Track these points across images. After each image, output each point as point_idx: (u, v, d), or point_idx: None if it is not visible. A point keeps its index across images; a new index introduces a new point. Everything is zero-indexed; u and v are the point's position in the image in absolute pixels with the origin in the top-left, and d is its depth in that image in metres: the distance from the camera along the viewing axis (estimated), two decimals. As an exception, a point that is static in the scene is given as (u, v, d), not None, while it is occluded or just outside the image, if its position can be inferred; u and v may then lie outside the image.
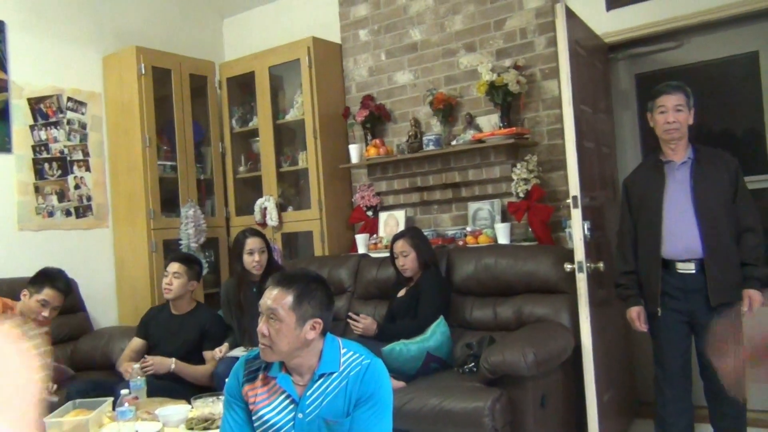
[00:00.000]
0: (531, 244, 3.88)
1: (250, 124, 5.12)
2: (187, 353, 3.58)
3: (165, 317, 3.75)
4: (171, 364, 3.46)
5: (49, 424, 2.75)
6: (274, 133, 4.90)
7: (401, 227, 4.44)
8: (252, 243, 3.75)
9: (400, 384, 3.14)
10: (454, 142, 4.22)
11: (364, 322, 3.51)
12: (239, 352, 3.50)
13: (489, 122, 4.24)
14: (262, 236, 3.84)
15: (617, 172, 3.99)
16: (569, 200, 3.17)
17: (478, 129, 4.23)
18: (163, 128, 4.83)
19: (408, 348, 3.28)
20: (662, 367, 2.94)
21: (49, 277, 3.43)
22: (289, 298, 1.89)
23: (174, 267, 3.69)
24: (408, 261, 3.60)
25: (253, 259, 3.72)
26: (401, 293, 3.72)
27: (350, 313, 3.62)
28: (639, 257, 2.99)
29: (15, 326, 3.14)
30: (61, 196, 4.53)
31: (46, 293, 3.36)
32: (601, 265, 3.24)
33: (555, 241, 3.97)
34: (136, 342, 3.73)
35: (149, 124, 4.61)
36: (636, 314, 2.99)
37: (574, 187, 3.12)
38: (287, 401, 1.93)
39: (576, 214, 3.12)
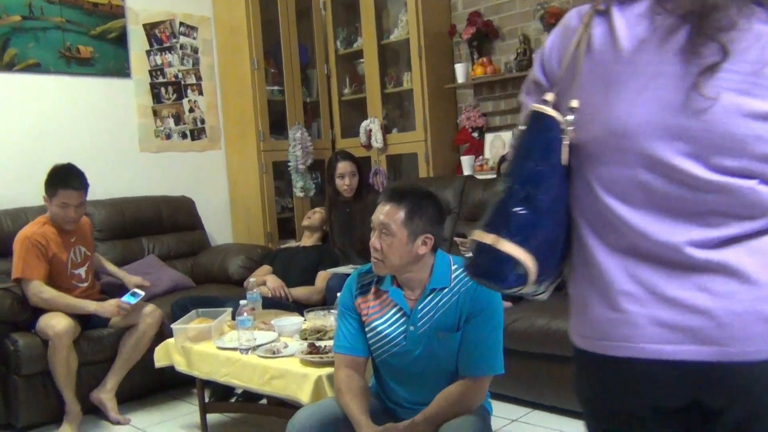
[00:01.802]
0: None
1: (355, 45, 5.09)
2: (303, 276, 3.78)
3: (293, 250, 4.02)
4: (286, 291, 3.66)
5: (175, 330, 2.96)
6: (378, 54, 4.84)
7: (508, 148, 4.35)
8: (343, 167, 3.82)
9: (507, 304, 3.14)
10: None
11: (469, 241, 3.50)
12: (348, 269, 3.60)
13: (604, 36, 4.00)
14: (354, 159, 3.91)
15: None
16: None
17: (592, 44, 4.00)
18: (269, 51, 4.89)
19: (515, 269, 3.25)
20: None
21: (59, 178, 3.24)
22: (401, 214, 1.90)
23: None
24: None
25: (343, 183, 3.82)
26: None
27: (457, 235, 3.62)
28: None
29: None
30: (177, 119, 4.72)
31: (62, 195, 3.20)
32: None
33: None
34: (264, 268, 3.96)
35: (257, 48, 4.68)
36: None
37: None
38: (399, 314, 1.97)
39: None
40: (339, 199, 3.91)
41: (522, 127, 1.12)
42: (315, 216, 4.05)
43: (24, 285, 3.18)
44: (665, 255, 1.01)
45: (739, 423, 1.00)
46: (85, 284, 3.37)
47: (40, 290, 3.15)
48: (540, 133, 1.09)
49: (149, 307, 3.38)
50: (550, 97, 1.09)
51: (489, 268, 1.09)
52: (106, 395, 3.26)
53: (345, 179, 3.82)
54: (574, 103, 1.06)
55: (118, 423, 3.24)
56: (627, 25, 1.04)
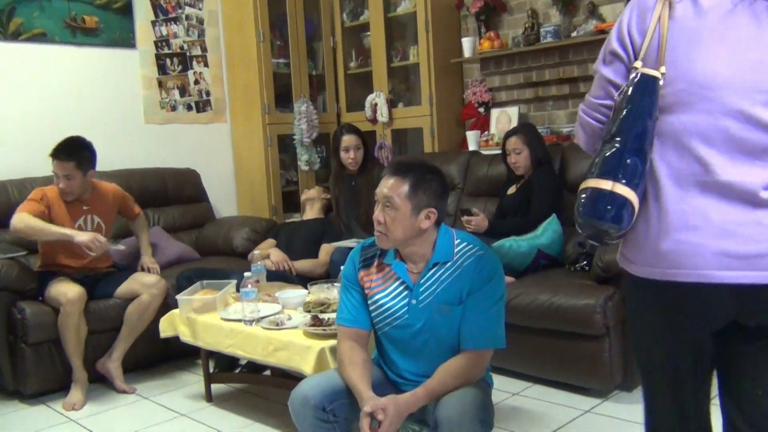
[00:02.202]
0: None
1: (361, 18, 5.05)
2: (306, 249, 3.80)
3: (297, 223, 4.04)
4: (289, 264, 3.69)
5: (180, 301, 2.99)
6: (385, 27, 4.81)
7: (514, 124, 4.33)
8: (348, 140, 3.82)
9: (510, 279, 3.15)
10: (573, 34, 4.00)
11: (476, 218, 3.51)
12: (351, 242, 3.61)
13: (613, 11, 3.96)
14: (359, 133, 3.91)
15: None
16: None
17: (601, 19, 3.97)
18: (275, 23, 4.86)
19: (518, 244, 3.26)
20: None
21: (54, 148, 3.28)
22: (405, 187, 1.90)
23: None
24: (520, 159, 3.53)
25: (348, 156, 3.82)
26: (511, 190, 3.68)
27: (462, 212, 3.62)
28: None
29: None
30: (182, 91, 4.71)
31: (53, 165, 3.26)
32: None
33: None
34: (268, 242, 3.98)
35: (263, 19, 4.65)
36: None
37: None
38: (402, 287, 1.99)
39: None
40: (344, 172, 3.91)
41: (630, 90, 1.29)
42: (311, 191, 4.08)
43: (13, 216, 3.22)
44: (736, 193, 1.23)
45: (763, 331, 1.28)
46: (94, 254, 3.39)
47: (27, 218, 3.18)
48: (647, 94, 1.28)
49: (154, 278, 3.41)
50: (639, 64, 1.30)
51: (607, 210, 1.26)
52: (112, 364, 3.30)
53: (350, 152, 3.82)
54: (663, 69, 1.27)
55: (124, 392, 3.29)
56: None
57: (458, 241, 1.99)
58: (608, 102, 1.38)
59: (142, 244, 3.74)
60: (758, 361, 1.32)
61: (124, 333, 3.32)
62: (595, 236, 1.33)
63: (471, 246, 1.97)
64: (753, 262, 1.22)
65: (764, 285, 1.22)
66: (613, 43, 1.36)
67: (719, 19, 1.26)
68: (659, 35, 1.29)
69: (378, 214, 1.93)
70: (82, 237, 3.18)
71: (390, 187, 1.91)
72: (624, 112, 1.30)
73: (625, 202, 1.26)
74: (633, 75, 1.31)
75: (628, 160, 1.27)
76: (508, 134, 3.64)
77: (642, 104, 1.28)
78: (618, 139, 1.28)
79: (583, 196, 1.30)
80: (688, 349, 1.36)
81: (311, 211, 4.06)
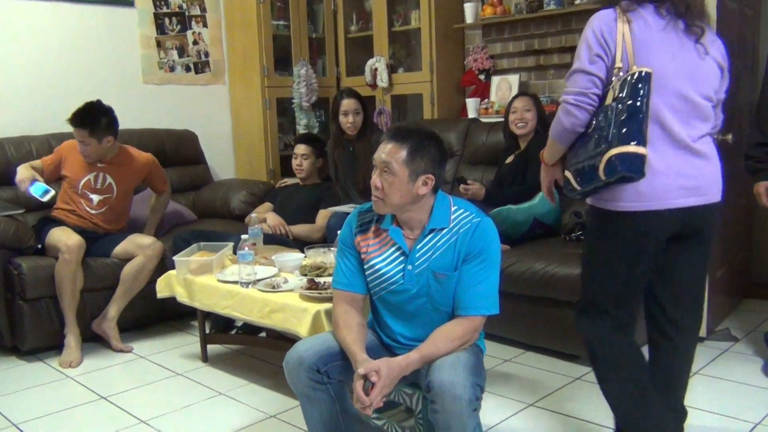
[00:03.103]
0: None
1: (363, -20, 4.98)
2: (302, 214, 3.81)
3: (292, 188, 4.03)
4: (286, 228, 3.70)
5: (177, 262, 3.00)
6: (386, -10, 4.75)
7: (514, 92, 4.30)
8: (347, 104, 3.78)
9: (506, 247, 3.17)
10: (577, 1, 3.95)
11: (473, 187, 3.51)
12: (348, 208, 3.62)
13: (618, -21, 3.90)
14: (358, 97, 3.87)
15: (759, 37, 3.63)
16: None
17: (605, -13, 3.91)
18: (275, -16, 4.79)
19: (515, 213, 3.27)
20: None
21: (72, 116, 3.35)
22: (403, 153, 1.90)
23: (301, 149, 3.90)
24: (529, 116, 3.50)
25: (347, 120, 3.79)
26: (509, 159, 3.67)
27: (458, 181, 3.62)
28: None
29: None
30: (181, 51, 4.66)
31: (75, 133, 3.35)
32: (729, 137, 3.05)
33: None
34: (265, 206, 3.99)
35: (263, -21, 4.58)
36: (764, 189, 2.82)
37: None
38: (398, 253, 1.99)
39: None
40: (343, 137, 3.89)
41: (640, 85, 1.77)
42: (305, 164, 3.91)
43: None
44: (683, 145, 1.87)
45: (697, 236, 1.97)
46: (93, 211, 3.42)
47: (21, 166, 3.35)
48: (646, 83, 1.78)
49: (150, 240, 3.42)
50: (620, 64, 1.83)
51: (635, 166, 1.75)
52: (107, 324, 3.33)
53: (349, 117, 3.80)
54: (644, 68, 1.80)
55: (121, 351, 3.32)
56: (652, 19, 1.86)
57: (455, 207, 1.99)
58: (597, 91, 1.85)
59: (151, 221, 3.78)
60: (686, 253, 2.00)
61: (119, 293, 3.34)
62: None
63: (468, 213, 1.97)
64: (695, 191, 1.88)
65: (701, 205, 1.89)
66: (596, 48, 1.85)
67: (659, 32, 1.85)
68: (625, 44, 1.83)
69: (375, 179, 1.93)
70: (22, 173, 3.30)
71: (388, 153, 1.91)
72: (631, 101, 1.77)
73: (644, 157, 1.76)
74: (633, 72, 1.79)
75: (643, 128, 1.77)
76: (518, 95, 3.65)
77: (646, 90, 1.77)
78: (640, 113, 1.76)
79: (614, 159, 1.75)
80: (646, 259, 1.94)
81: (310, 181, 4.01)
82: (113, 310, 3.34)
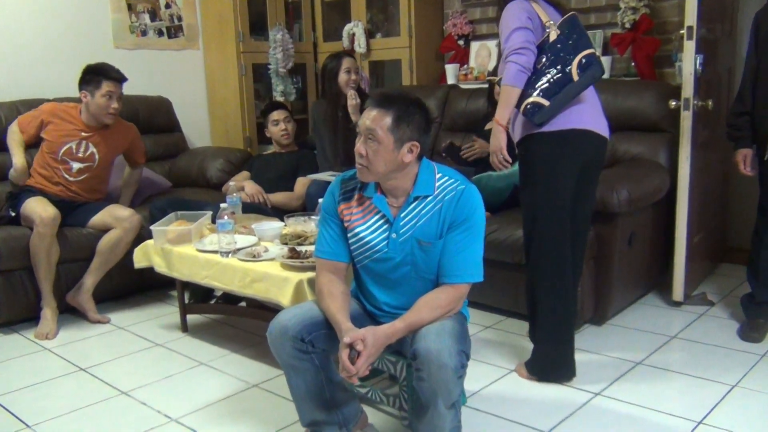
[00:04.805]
0: (632, 79, 3.67)
1: (339, -58, 4.87)
2: (280, 182, 3.76)
3: (269, 156, 3.99)
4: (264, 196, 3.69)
5: (155, 231, 2.95)
6: (364, -47, 4.65)
7: (494, 59, 4.26)
8: (349, 62, 3.69)
9: (486, 215, 3.15)
10: (558, -35, 3.90)
11: (477, 143, 3.46)
12: (327, 176, 3.58)
13: (599, -57, 3.87)
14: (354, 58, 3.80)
15: (739, 3, 3.63)
16: (682, 31, 2.94)
17: (586, -50, 3.87)
18: (250, -55, 4.66)
19: (495, 180, 3.26)
20: (765, 214, 2.83)
21: (101, 71, 3.34)
22: (388, 120, 1.86)
23: (282, 114, 3.90)
24: None
25: (350, 78, 3.68)
26: (490, 125, 3.64)
27: (449, 148, 3.57)
28: (757, 98, 2.78)
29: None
30: (153, 15, 4.53)
31: (107, 86, 3.31)
32: (709, 102, 3.06)
33: (659, 77, 3.74)
34: (243, 174, 3.93)
35: (237, -60, 4.45)
36: (742, 157, 2.84)
37: (691, 16, 2.88)
38: (382, 221, 1.97)
39: (689, 47, 2.91)
40: (340, 98, 3.71)
41: (574, 21, 2.39)
42: (289, 127, 3.92)
43: (12, 121, 3.45)
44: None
45: (592, 168, 2.49)
46: (72, 179, 3.35)
47: (13, 130, 3.40)
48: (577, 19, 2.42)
49: (127, 212, 3.35)
50: (546, 19, 2.41)
51: (598, 62, 2.34)
52: (83, 296, 3.28)
53: (351, 74, 3.68)
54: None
55: (98, 322, 3.28)
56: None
57: (440, 175, 1.97)
58: (534, 39, 2.35)
59: (125, 195, 3.72)
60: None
61: (95, 265, 3.28)
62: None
63: (453, 180, 1.96)
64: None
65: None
66: (525, 14, 2.37)
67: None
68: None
69: (360, 146, 1.89)
70: (17, 165, 3.32)
71: (373, 119, 1.87)
72: (575, 29, 2.37)
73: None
74: (564, 17, 2.39)
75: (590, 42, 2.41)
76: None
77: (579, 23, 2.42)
78: (581, 35, 2.37)
79: (583, 59, 2.31)
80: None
81: (288, 147, 3.97)
82: (89, 282, 3.28)
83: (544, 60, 2.35)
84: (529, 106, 2.34)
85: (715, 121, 3.29)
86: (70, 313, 3.35)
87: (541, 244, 2.45)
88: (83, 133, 3.36)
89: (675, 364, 2.61)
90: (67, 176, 3.36)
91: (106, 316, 3.33)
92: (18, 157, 3.34)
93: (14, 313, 3.21)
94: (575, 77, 2.29)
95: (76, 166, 3.36)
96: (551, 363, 2.49)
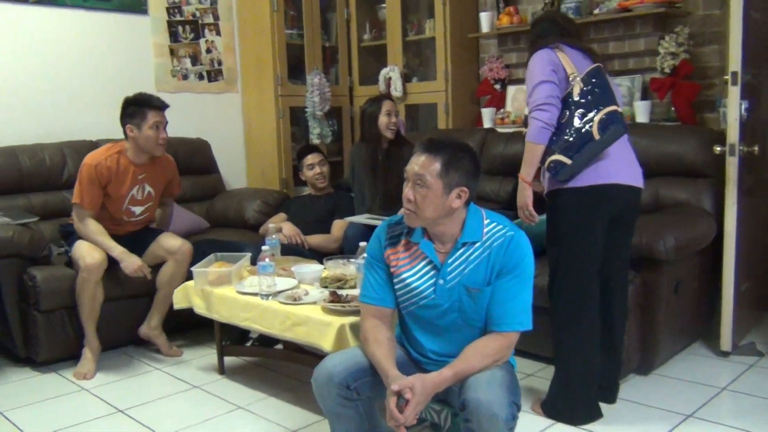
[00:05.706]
0: (673, 124, 3.64)
1: (376, -11, 4.96)
2: (317, 224, 3.77)
3: (306, 198, 4.04)
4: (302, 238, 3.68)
5: (195, 273, 2.96)
6: (400, 0, 4.72)
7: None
8: (389, 105, 3.71)
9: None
10: (596, 11, 3.92)
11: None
12: (365, 218, 3.57)
13: (637, -11, 3.88)
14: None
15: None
16: (726, 77, 2.92)
17: (624, -3, 3.89)
18: (289, -8, 4.77)
19: (537, 223, 3.22)
20: None
21: (143, 101, 3.24)
22: (437, 165, 1.86)
23: (316, 157, 3.95)
24: None
25: (390, 121, 3.69)
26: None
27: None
28: None
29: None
30: (194, 59, 4.63)
31: (153, 116, 3.20)
32: (756, 148, 3.01)
33: (699, 122, 3.70)
34: (280, 216, 3.96)
35: (277, -12, 4.56)
36: None
37: (735, 62, 2.87)
38: (429, 267, 1.95)
39: (734, 92, 2.88)
40: (380, 141, 3.72)
41: (596, 74, 2.41)
42: (324, 170, 3.96)
43: (77, 209, 3.22)
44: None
45: (626, 218, 2.50)
46: (134, 220, 3.38)
47: (87, 222, 3.19)
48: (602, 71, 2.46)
49: (177, 242, 3.33)
50: (571, 70, 2.41)
51: (620, 120, 2.34)
52: (153, 332, 3.34)
53: (392, 117, 3.70)
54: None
55: (172, 356, 3.35)
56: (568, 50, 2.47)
57: (488, 221, 1.95)
58: (558, 94, 2.38)
59: (163, 222, 3.67)
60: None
61: (158, 299, 3.33)
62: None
63: (501, 227, 1.94)
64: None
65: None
66: (549, 66, 2.39)
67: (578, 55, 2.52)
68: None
69: (408, 192, 1.89)
70: (127, 263, 3.16)
71: (421, 165, 1.87)
72: (598, 83, 2.39)
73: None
74: (587, 71, 2.40)
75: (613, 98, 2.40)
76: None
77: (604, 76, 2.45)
78: (603, 91, 2.38)
79: (604, 117, 2.31)
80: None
81: (323, 189, 4.00)
82: (156, 317, 3.33)
83: (567, 114, 2.34)
84: (552, 164, 2.36)
85: (760, 166, 3.24)
86: (110, 349, 3.36)
87: (559, 301, 2.49)
88: (138, 176, 3.30)
89: (726, 418, 2.52)
90: (129, 220, 3.36)
91: (179, 350, 3.38)
92: (118, 251, 3.17)
93: (54, 353, 3.22)
94: (596, 136, 2.28)
95: (138, 210, 3.36)
96: (570, 404, 2.51)
